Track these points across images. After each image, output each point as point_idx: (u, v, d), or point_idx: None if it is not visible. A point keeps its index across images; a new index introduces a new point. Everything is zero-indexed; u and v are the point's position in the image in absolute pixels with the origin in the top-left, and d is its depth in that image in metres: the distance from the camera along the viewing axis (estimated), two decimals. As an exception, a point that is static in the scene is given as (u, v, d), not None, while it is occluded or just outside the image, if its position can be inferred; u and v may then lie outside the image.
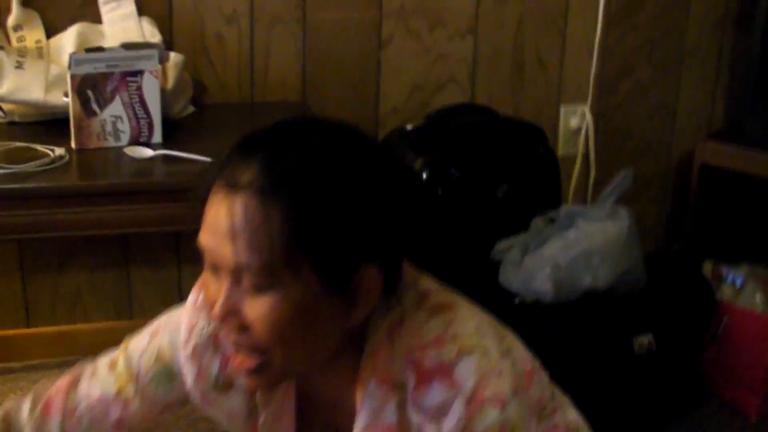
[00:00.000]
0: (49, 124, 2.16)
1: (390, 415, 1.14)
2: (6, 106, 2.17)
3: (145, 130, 2.08)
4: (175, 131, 2.16)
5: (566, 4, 2.68)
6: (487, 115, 2.48)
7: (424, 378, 1.12)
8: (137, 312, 2.58)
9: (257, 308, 1.08)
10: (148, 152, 2.04)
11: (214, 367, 1.30)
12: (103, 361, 1.44)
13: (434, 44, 2.60)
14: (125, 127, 2.07)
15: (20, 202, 1.90)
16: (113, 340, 1.47)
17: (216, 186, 1.10)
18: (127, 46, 2.08)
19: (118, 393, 1.39)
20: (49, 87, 2.12)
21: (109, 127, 2.06)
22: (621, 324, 2.25)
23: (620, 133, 2.84)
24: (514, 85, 2.70)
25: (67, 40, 2.26)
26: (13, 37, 2.26)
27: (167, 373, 1.36)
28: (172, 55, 2.23)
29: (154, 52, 2.05)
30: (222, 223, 1.07)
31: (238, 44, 2.44)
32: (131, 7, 2.29)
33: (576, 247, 2.23)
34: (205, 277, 1.15)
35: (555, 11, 2.68)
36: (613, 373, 2.24)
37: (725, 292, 2.48)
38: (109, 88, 2.04)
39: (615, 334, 2.24)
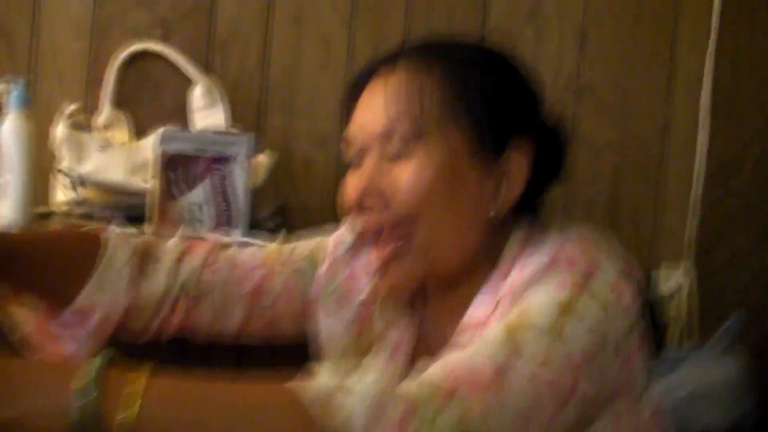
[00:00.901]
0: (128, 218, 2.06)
1: (490, 303, 1.08)
2: (83, 193, 2.08)
3: (226, 221, 1.97)
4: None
5: (660, 158, 2.59)
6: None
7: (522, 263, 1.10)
8: None
9: (404, 172, 1.09)
10: (235, 237, 1.91)
11: (341, 276, 1.32)
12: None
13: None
14: (205, 216, 1.96)
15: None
16: None
17: (360, 82, 1.18)
18: (218, 133, 2.01)
19: (264, 263, 1.37)
20: (132, 171, 2.04)
21: (189, 214, 1.95)
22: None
23: (719, 299, 2.67)
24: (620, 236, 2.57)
25: (147, 146, 2.20)
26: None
27: (310, 271, 1.37)
28: (263, 155, 2.15)
29: (246, 140, 1.97)
30: (375, 98, 1.12)
31: (324, 168, 2.36)
32: (221, 117, 2.24)
33: (683, 389, 2.04)
34: (347, 179, 1.17)
35: (650, 166, 2.59)
36: None
37: None
38: (195, 172, 1.94)
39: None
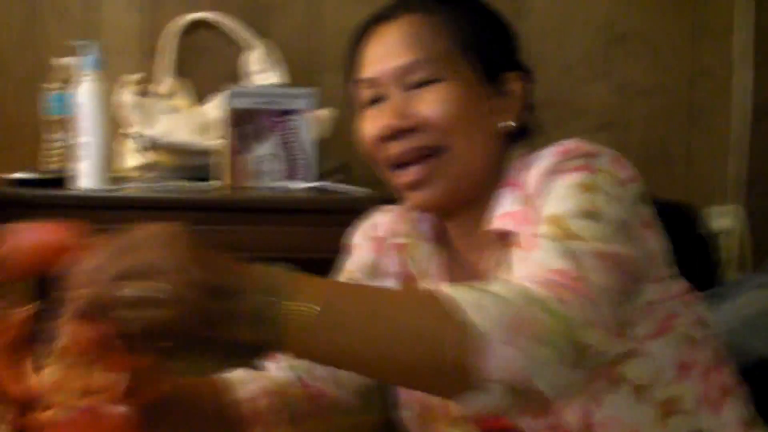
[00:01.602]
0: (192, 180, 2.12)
1: (516, 204, 1.19)
2: (152, 157, 2.14)
3: (297, 171, 2.02)
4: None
5: (711, 101, 2.64)
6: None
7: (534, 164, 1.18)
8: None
9: (430, 97, 1.20)
10: (304, 184, 1.97)
11: (367, 256, 1.38)
12: None
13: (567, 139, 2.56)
14: (278, 167, 2.02)
15: (180, 213, 1.83)
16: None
17: (368, 31, 1.26)
18: (282, 87, 2.07)
19: None
20: (201, 130, 2.10)
21: (262, 166, 2.01)
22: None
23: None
24: (661, 183, 2.62)
25: (214, 107, 2.26)
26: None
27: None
28: (325, 110, 2.20)
29: (309, 94, 2.03)
30: (390, 38, 1.23)
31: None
32: (278, 79, 2.30)
33: (747, 310, 2.07)
34: (363, 119, 1.26)
35: (699, 108, 2.64)
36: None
37: None
38: (264, 126, 2.00)
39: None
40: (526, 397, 0.92)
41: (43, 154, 2.15)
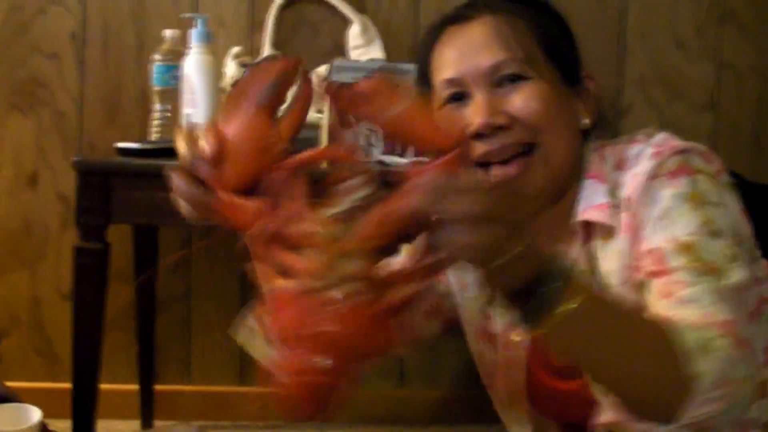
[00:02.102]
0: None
1: (600, 197, 1.25)
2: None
3: (396, 147, 2.05)
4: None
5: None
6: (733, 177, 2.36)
7: (626, 165, 1.25)
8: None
9: (521, 95, 1.23)
10: (404, 160, 2.00)
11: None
12: None
13: (673, 117, 2.54)
14: (378, 142, 2.05)
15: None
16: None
17: (444, 31, 1.28)
18: (386, 62, 2.09)
19: None
20: (302, 104, 2.13)
21: (362, 141, 2.04)
22: None
23: None
24: (754, 167, 2.59)
25: (313, 81, 2.29)
26: (263, 77, 2.31)
27: None
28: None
29: (414, 68, 2.04)
30: (473, 39, 1.25)
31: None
32: (379, 54, 2.32)
33: None
34: (445, 117, 1.25)
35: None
36: None
37: None
38: (365, 100, 2.03)
39: None
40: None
41: (150, 125, 2.21)
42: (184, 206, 1.01)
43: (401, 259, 0.97)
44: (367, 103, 0.95)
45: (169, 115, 2.18)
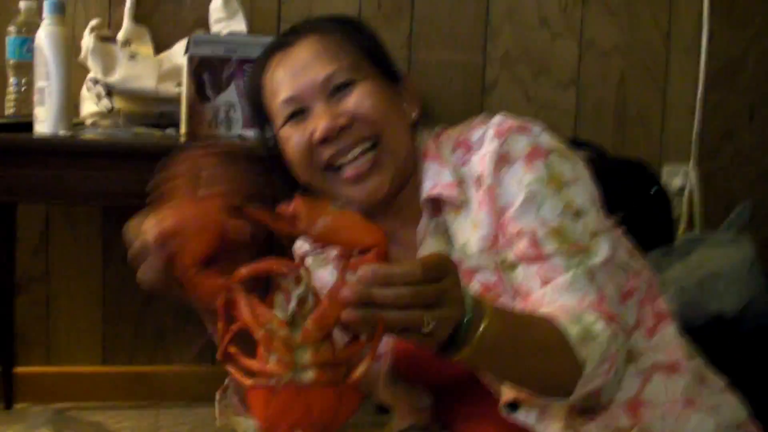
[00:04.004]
0: (154, 126, 2.12)
1: (447, 177, 1.32)
2: (109, 104, 2.13)
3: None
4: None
5: (666, 63, 2.66)
6: (595, 152, 2.41)
7: (471, 147, 1.33)
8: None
9: (356, 94, 1.30)
10: (263, 134, 1.98)
11: (305, 246, 1.46)
12: None
13: (538, 93, 2.57)
14: (238, 116, 2.02)
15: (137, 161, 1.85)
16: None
17: (271, 59, 1.34)
18: (246, 36, 2.06)
19: None
20: (161, 78, 2.09)
21: (221, 115, 2.01)
22: (748, 355, 2.09)
23: (724, 197, 2.75)
24: (616, 141, 2.64)
25: (176, 54, 2.25)
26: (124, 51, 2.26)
27: None
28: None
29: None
30: (300, 59, 1.32)
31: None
32: (242, 26, 2.29)
33: (700, 270, 2.11)
34: (288, 134, 1.33)
35: (656, 68, 2.66)
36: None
37: None
38: (225, 74, 2.00)
39: (742, 364, 2.07)
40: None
41: (5, 99, 2.14)
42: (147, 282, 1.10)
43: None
44: (293, 224, 1.07)
45: (24, 89, 2.11)
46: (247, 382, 1.03)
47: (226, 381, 1.23)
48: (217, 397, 1.24)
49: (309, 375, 1.01)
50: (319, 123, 1.30)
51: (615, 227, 1.39)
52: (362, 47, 1.36)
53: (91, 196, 1.91)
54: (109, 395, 2.46)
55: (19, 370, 2.45)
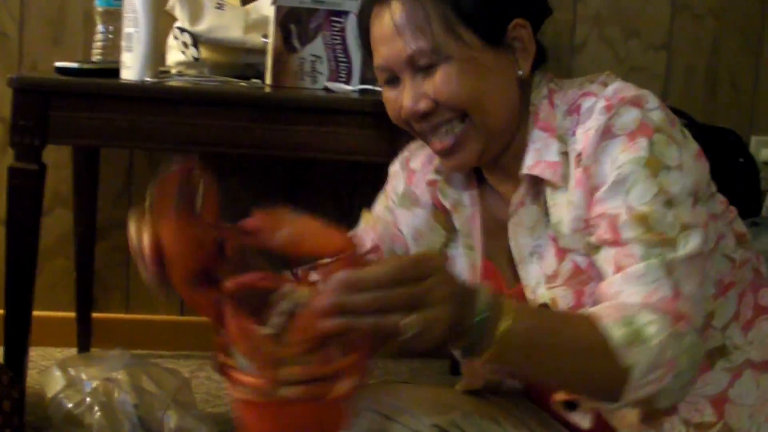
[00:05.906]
0: (239, 77, 2.11)
1: (553, 155, 1.26)
2: (201, 52, 2.13)
3: (343, 74, 2.01)
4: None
5: (762, 27, 2.58)
6: (684, 118, 2.35)
7: (581, 117, 1.25)
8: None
9: (440, 78, 1.25)
10: (350, 87, 1.95)
11: (400, 185, 1.47)
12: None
13: (628, 55, 2.51)
14: (324, 69, 2.00)
15: (221, 109, 1.86)
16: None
17: (371, 9, 1.30)
18: (335, -14, 2.03)
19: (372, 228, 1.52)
20: (248, 28, 2.08)
21: (307, 67, 1.99)
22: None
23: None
24: (706, 108, 2.57)
25: (263, 5, 2.23)
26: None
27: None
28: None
29: (354, 5, 2.00)
30: (386, 29, 1.27)
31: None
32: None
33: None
34: (387, 94, 1.32)
35: (751, 34, 2.58)
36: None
37: None
38: (312, 26, 1.98)
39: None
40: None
41: (93, 46, 2.15)
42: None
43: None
44: (255, 237, 1.06)
45: (111, 36, 2.12)
46: (235, 394, 1.02)
47: None
48: None
49: (292, 390, 0.99)
50: (405, 101, 1.29)
51: (728, 210, 1.32)
52: (457, 7, 1.27)
53: (175, 143, 1.91)
54: (185, 345, 2.48)
55: (97, 315, 2.48)
